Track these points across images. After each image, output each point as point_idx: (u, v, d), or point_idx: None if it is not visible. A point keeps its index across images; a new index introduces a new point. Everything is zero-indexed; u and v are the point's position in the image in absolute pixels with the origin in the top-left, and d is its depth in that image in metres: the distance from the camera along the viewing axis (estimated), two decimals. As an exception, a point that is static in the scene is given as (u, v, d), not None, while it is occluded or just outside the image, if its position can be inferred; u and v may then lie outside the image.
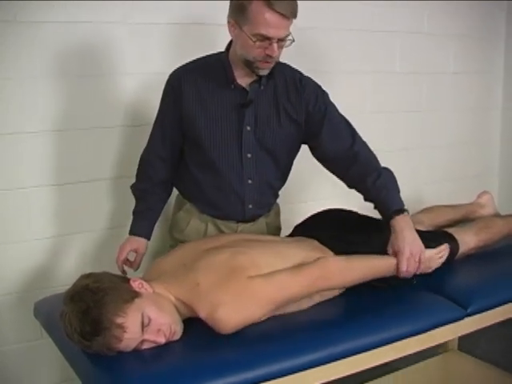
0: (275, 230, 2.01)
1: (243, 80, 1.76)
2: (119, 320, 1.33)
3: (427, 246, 1.71)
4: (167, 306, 1.45)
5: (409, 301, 1.68)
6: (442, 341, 1.69)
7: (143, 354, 1.38)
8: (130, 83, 2.16)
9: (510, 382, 2.32)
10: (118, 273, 1.76)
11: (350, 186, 1.86)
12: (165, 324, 1.40)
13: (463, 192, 2.32)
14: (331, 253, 1.70)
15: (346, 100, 1.99)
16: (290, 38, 1.64)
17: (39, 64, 2.00)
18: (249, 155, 1.80)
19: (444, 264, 1.79)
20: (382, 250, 1.71)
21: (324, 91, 1.84)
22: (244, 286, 1.46)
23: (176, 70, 1.82)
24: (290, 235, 1.89)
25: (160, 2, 2.16)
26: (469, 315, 1.66)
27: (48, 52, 2.01)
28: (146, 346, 1.39)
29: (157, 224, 1.93)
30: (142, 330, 1.37)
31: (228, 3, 1.66)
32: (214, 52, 1.82)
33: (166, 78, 1.82)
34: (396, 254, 1.68)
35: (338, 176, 1.87)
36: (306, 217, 1.96)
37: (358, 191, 1.83)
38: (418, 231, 1.72)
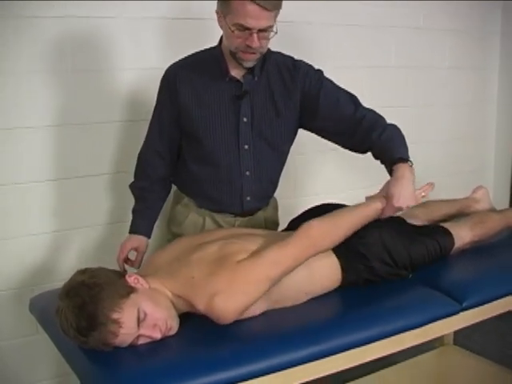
0: (273, 225, 2.01)
1: (237, 72, 1.76)
2: (115, 315, 1.33)
3: (422, 242, 1.70)
4: (163, 301, 1.45)
5: (404, 295, 1.67)
6: (437, 335, 1.69)
7: (139, 349, 1.38)
8: (128, 78, 2.16)
9: (504, 376, 2.33)
10: (117, 268, 1.75)
11: (356, 151, 1.84)
12: (161, 319, 1.40)
13: (459, 187, 2.32)
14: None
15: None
16: (273, 29, 1.64)
17: (36, 59, 1.99)
18: (246, 147, 1.81)
19: (439, 259, 1.79)
20: (378, 244, 1.70)
21: (318, 70, 1.84)
22: (234, 271, 1.45)
23: (170, 67, 1.82)
24: (286, 230, 1.89)
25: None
26: (464, 309, 1.65)
27: (44, 47, 2.00)
28: (141, 341, 1.39)
29: (156, 223, 1.93)
30: (138, 325, 1.36)
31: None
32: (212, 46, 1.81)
33: (163, 72, 1.81)
34: (386, 197, 1.64)
35: (344, 146, 1.86)
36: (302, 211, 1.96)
37: (365, 150, 1.81)
38: (413, 226, 1.71)
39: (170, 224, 1.98)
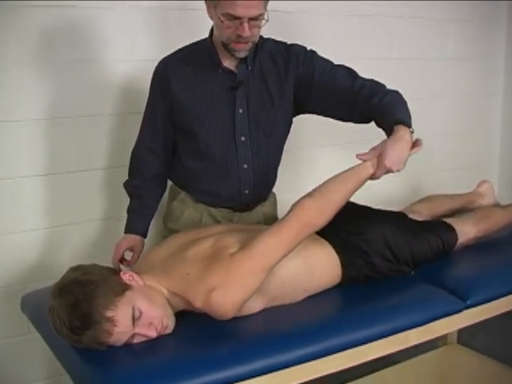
0: (272, 221, 1.98)
1: (230, 63, 1.75)
2: (109, 313, 1.31)
3: (425, 238, 1.68)
4: (159, 299, 1.43)
5: (407, 293, 1.65)
6: (440, 334, 1.68)
7: (134, 348, 1.36)
8: (121, 69, 2.13)
9: (509, 376, 2.32)
10: (110, 265, 1.73)
11: (361, 122, 1.79)
12: (156, 317, 1.38)
13: (463, 182, 2.30)
14: (325, 242, 1.67)
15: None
16: (264, 17, 1.61)
17: (25, 49, 1.96)
18: (243, 138, 1.79)
19: (442, 255, 1.78)
20: (380, 240, 1.68)
21: (311, 50, 1.81)
22: (228, 264, 1.43)
23: (161, 61, 1.81)
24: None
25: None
26: (468, 307, 1.63)
27: (33, 38, 1.96)
28: (136, 340, 1.37)
29: (152, 222, 1.90)
30: (133, 323, 1.35)
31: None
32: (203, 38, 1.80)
33: (156, 64, 1.79)
34: (379, 157, 1.56)
35: (348, 120, 1.81)
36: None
37: (368, 119, 1.75)
38: (416, 222, 1.69)
39: (166, 220, 1.96)
